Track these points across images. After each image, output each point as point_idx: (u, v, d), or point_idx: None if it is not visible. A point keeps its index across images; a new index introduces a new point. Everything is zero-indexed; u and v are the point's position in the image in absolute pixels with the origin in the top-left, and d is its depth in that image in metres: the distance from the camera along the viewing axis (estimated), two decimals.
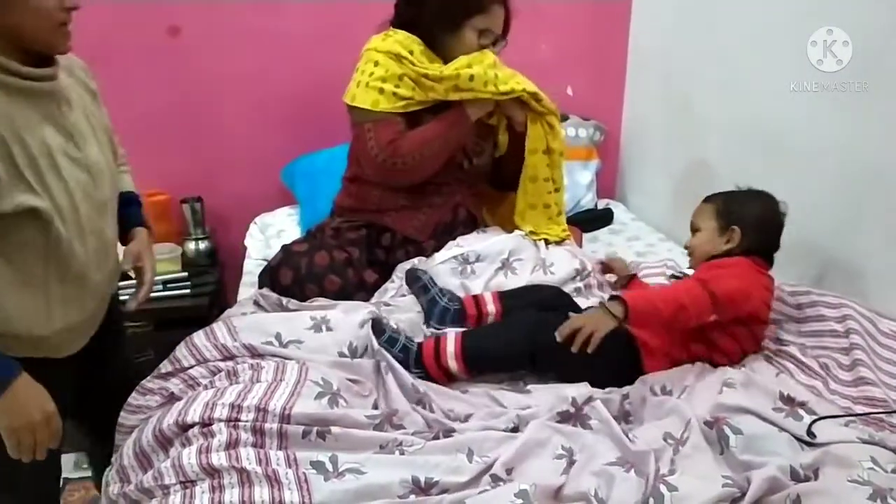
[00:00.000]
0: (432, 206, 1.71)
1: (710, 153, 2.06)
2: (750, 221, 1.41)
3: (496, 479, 1.05)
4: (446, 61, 1.64)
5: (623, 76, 2.48)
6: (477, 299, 1.47)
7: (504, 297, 1.48)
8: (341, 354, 1.29)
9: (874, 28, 1.45)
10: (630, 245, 2.15)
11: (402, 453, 1.09)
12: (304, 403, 1.11)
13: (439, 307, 1.44)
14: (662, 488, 1.00)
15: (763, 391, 1.20)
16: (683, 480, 1.00)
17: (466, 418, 1.23)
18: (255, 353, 1.26)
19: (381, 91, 1.63)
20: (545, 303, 1.45)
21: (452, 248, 1.67)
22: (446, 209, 1.73)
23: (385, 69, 1.63)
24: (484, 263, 1.62)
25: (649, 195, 2.43)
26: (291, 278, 1.57)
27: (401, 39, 1.65)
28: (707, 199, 1.49)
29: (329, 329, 1.36)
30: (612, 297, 1.26)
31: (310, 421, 1.08)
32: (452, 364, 1.29)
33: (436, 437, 1.15)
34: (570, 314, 1.28)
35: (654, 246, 2.13)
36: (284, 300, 1.53)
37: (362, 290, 1.60)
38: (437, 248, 1.69)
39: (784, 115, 1.74)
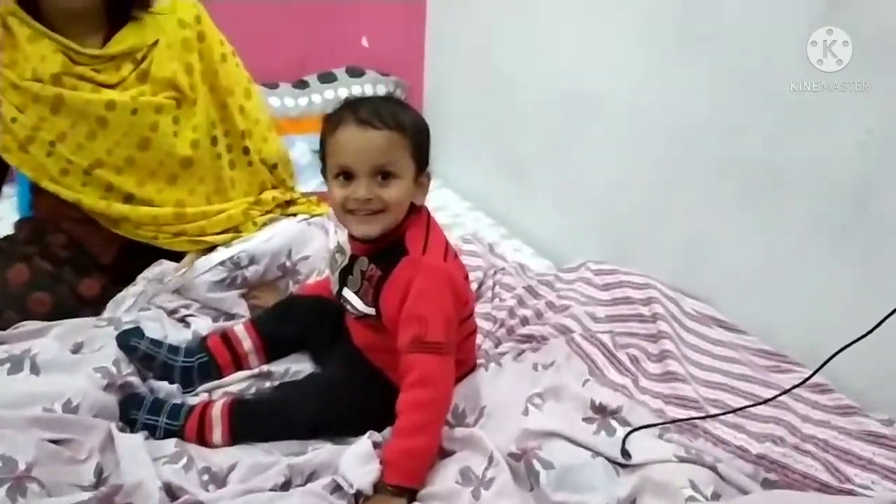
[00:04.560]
0: None
1: (518, 112, 1.91)
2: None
3: None
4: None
5: (423, 25, 2.23)
6: (227, 338, 1.16)
7: (258, 324, 1.19)
8: (48, 410, 0.95)
9: None
10: (436, 216, 1.95)
11: None
12: None
13: (177, 370, 1.10)
14: None
15: (572, 400, 1.06)
16: None
17: (228, 473, 0.96)
18: None
19: None
20: (307, 321, 1.18)
21: (220, 250, 1.32)
22: None
23: None
24: (259, 267, 1.30)
25: (456, 160, 2.24)
26: None
27: None
28: (382, 123, 0.96)
29: (35, 370, 1.00)
30: (386, 486, 0.92)
31: None
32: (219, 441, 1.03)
33: None
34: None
35: (461, 216, 1.96)
36: None
37: (87, 306, 1.21)
38: (129, 277, 1.25)
39: (594, 75, 1.62)
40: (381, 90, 2.12)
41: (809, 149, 1.18)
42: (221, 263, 1.27)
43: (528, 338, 1.29)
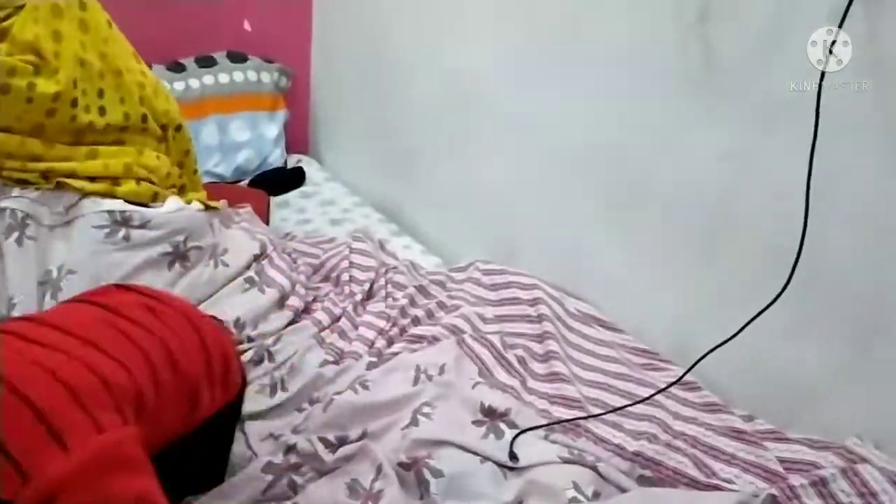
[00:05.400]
0: None
1: (406, 107, 1.88)
2: None
3: None
4: None
5: (309, 9, 2.15)
6: None
7: None
8: None
9: None
10: (325, 211, 1.91)
11: None
12: None
13: None
14: None
15: (461, 403, 1.08)
16: None
17: None
18: None
19: None
20: None
21: (111, 202, 1.20)
22: None
23: None
24: (150, 233, 1.19)
25: (345, 150, 2.19)
26: None
27: None
28: None
29: None
30: None
31: None
32: None
33: None
34: None
35: (350, 212, 1.91)
36: None
37: None
38: None
39: (480, 77, 1.60)
40: (266, 77, 2.03)
41: (676, 162, 1.22)
42: (108, 212, 1.17)
43: (420, 338, 1.29)
